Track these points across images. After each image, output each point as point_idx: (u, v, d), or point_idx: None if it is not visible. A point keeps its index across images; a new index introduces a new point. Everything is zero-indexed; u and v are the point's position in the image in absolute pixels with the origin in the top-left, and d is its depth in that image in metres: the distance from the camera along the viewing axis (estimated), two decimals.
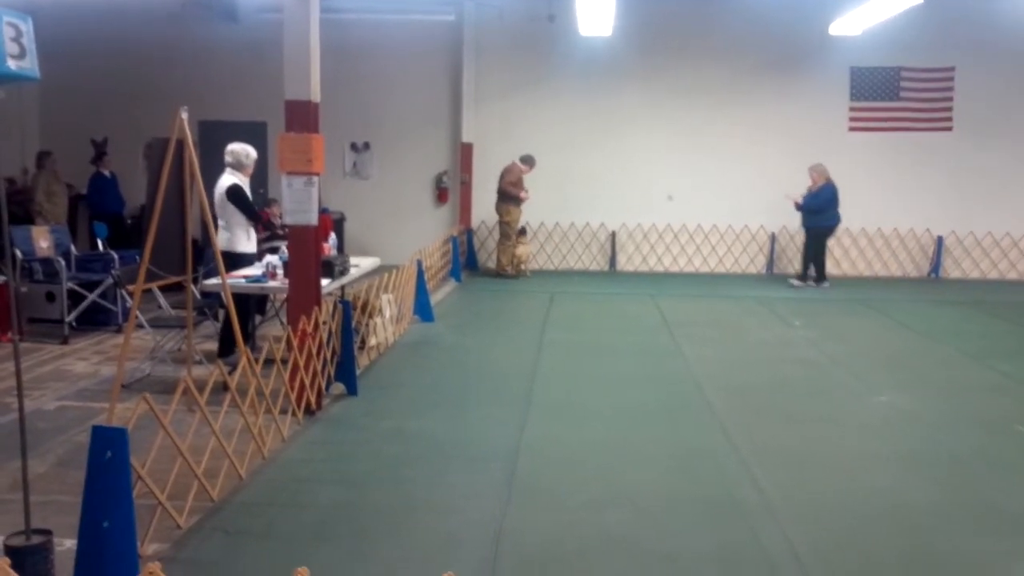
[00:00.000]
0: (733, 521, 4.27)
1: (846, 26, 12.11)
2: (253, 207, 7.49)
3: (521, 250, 13.11)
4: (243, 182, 7.38)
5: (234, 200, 7.25)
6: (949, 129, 13.68)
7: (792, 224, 13.65)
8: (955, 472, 5.08)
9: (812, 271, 12.63)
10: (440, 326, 9.31)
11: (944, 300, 11.65)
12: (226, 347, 7.08)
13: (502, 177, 12.78)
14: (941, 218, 13.82)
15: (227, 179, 7.33)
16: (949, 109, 13.65)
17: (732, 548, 3.98)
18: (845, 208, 13.64)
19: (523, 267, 13.15)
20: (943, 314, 10.59)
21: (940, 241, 13.88)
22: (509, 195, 12.71)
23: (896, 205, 13.81)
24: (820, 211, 12.27)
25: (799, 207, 12.39)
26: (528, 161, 12.79)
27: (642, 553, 3.93)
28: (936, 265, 13.92)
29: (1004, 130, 13.62)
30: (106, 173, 12.32)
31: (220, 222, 7.31)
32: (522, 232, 13.07)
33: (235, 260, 7.27)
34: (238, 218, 7.33)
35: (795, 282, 12.66)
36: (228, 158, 7.39)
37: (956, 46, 13.45)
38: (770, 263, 13.97)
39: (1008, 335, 9.47)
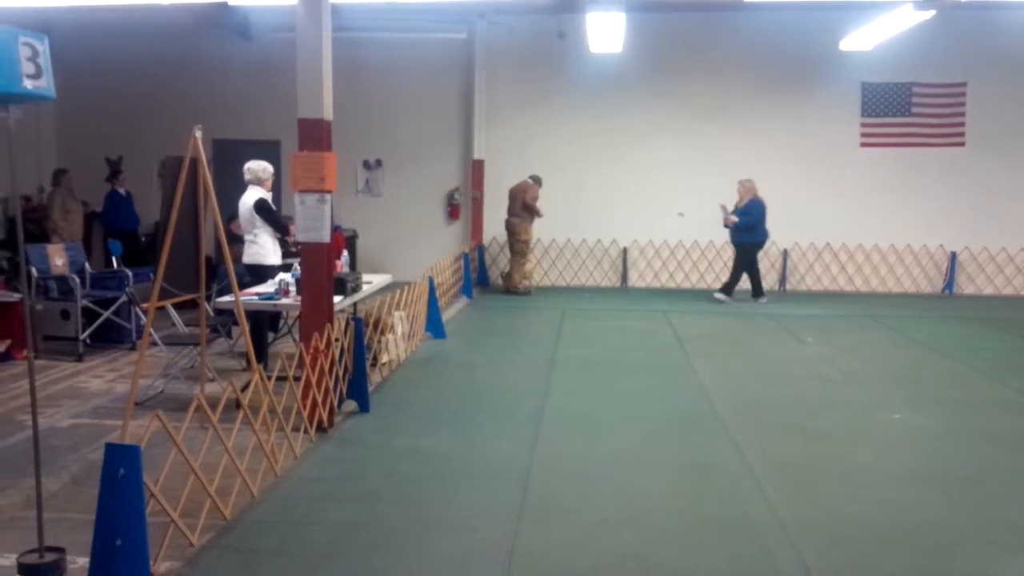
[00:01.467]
0: (746, 538, 4.24)
1: (857, 42, 12.09)
2: (279, 219, 7.75)
3: (527, 266, 13.11)
4: (267, 196, 7.62)
5: (261, 213, 7.50)
6: (962, 144, 13.63)
7: (803, 240, 13.65)
8: (970, 489, 5.04)
9: (727, 287, 12.52)
10: (452, 343, 9.32)
11: (958, 316, 11.58)
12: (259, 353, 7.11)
13: (522, 193, 12.73)
14: (954, 234, 13.76)
15: (252, 194, 7.57)
16: (962, 124, 13.60)
17: (745, 565, 3.96)
18: (859, 224, 13.67)
19: (526, 282, 13.15)
20: (957, 331, 10.52)
21: (953, 257, 13.81)
22: (533, 211, 12.72)
23: (909, 221, 13.74)
24: (750, 227, 12.16)
25: (736, 225, 12.17)
26: (539, 181, 12.85)
27: (655, 571, 3.91)
28: (950, 281, 13.84)
29: (1017, 145, 13.55)
30: (121, 191, 12.41)
31: (248, 236, 7.60)
32: None
33: (263, 272, 7.55)
34: (266, 230, 7.57)
35: (720, 296, 12.47)
36: (247, 175, 7.64)
37: (968, 61, 13.42)
38: (782, 279, 13.92)
39: (1022, 352, 9.39)
